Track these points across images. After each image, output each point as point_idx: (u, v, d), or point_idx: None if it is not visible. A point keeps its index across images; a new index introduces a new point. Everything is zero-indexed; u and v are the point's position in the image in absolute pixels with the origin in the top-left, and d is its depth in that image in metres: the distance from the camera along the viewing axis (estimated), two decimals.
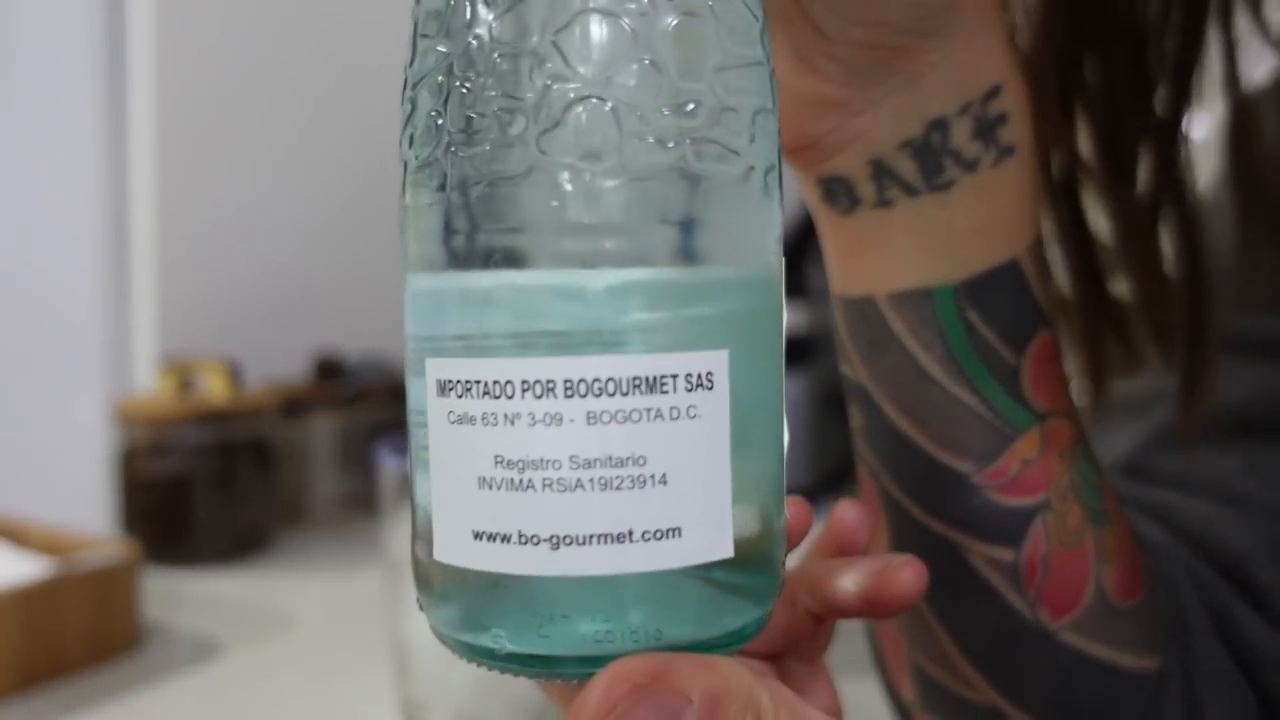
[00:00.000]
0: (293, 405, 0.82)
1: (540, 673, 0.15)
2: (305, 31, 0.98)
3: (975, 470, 0.25)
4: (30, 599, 0.48)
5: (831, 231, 0.26)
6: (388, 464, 0.43)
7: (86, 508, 0.80)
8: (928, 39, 0.22)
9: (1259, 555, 0.29)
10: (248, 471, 0.74)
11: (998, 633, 0.27)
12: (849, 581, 0.22)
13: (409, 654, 0.43)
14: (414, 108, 0.16)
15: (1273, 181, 0.32)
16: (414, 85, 0.16)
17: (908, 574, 0.21)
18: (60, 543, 0.57)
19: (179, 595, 0.64)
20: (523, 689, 0.42)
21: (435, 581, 0.16)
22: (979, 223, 0.24)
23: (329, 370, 0.88)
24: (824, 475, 0.84)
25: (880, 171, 0.24)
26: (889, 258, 0.25)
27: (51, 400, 0.82)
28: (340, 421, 0.85)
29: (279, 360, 0.91)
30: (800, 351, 0.73)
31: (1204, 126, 0.71)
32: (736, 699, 0.15)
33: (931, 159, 0.23)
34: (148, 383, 0.81)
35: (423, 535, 0.16)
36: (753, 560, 0.16)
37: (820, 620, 0.22)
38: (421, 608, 0.17)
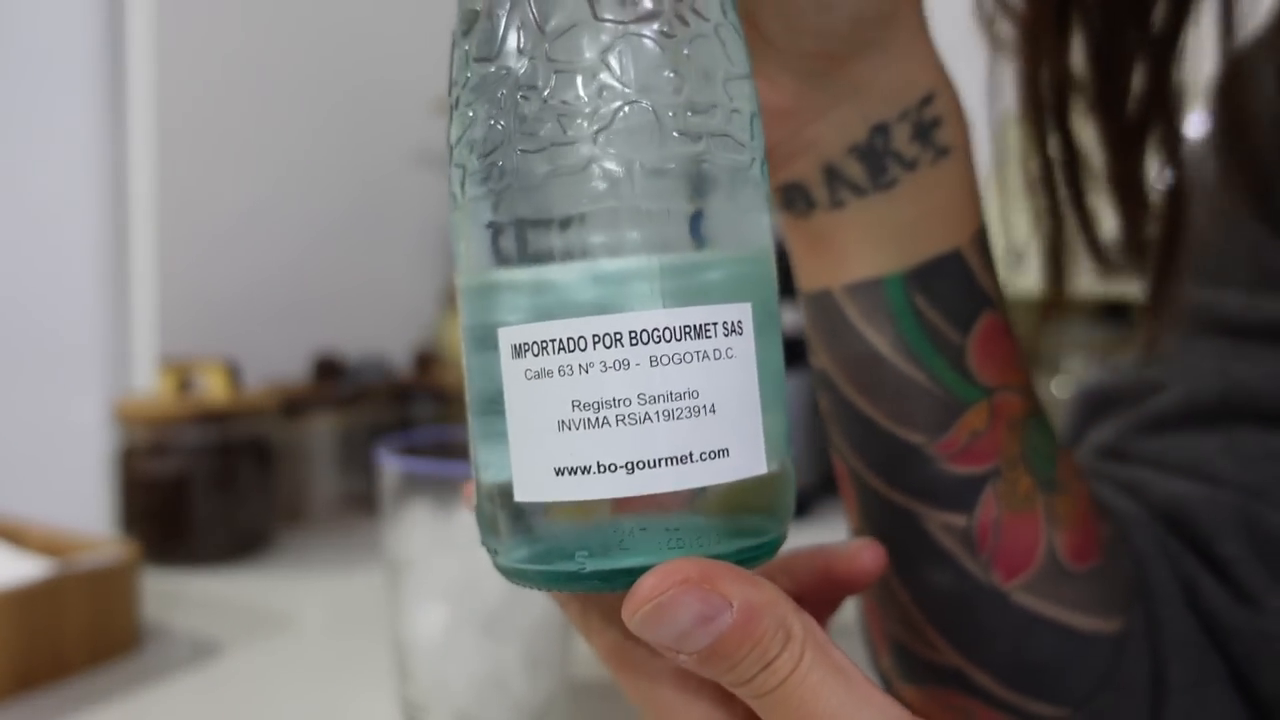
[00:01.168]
0: (292, 405, 0.82)
1: (616, 585, 0.18)
2: (305, 33, 0.98)
3: (928, 442, 0.27)
4: (29, 599, 0.48)
5: (792, 233, 0.29)
6: (388, 464, 0.43)
7: (86, 508, 0.80)
8: (868, 50, 0.25)
9: (1224, 530, 0.30)
10: (247, 472, 0.74)
11: (955, 595, 0.29)
12: (818, 562, 0.24)
13: (409, 654, 0.43)
14: (473, 117, 0.19)
15: (1259, 140, 0.33)
16: (470, 101, 0.19)
17: (867, 555, 0.25)
18: (60, 543, 0.57)
19: (179, 595, 0.64)
20: (523, 689, 0.42)
21: (514, 523, 0.19)
22: (921, 216, 0.27)
23: (329, 370, 0.88)
24: (822, 476, 0.84)
25: (831, 175, 0.26)
26: (843, 253, 0.27)
27: (51, 400, 0.82)
28: (340, 422, 0.85)
29: (279, 360, 0.91)
30: (799, 352, 0.73)
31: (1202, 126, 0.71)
32: (772, 615, 0.17)
33: (876, 161, 0.26)
34: (147, 383, 0.81)
35: (493, 490, 0.19)
36: (776, 483, 0.19)
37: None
38: (495, 552, 0.20)
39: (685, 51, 0.18)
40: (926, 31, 0.26)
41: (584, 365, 0.17)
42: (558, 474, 0.18)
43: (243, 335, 0.89)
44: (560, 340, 0.18)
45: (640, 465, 0.17)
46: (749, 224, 0.19)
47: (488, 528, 0.20)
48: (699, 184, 0.18)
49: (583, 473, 0.18)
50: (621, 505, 0.18)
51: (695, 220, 0.18)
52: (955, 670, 0.29)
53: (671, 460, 0.17)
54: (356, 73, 1.04)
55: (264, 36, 0.93)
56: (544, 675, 0.43)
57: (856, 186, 0.26)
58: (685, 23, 0.18)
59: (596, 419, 0.17)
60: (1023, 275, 0.76)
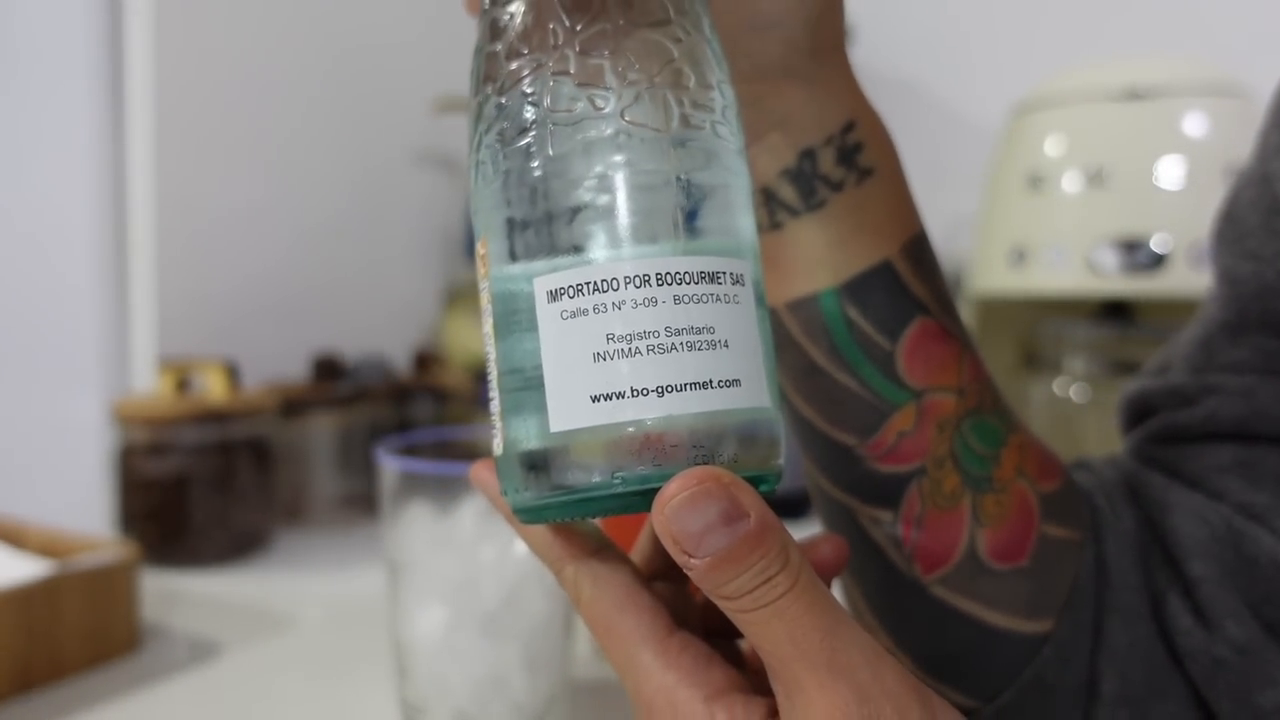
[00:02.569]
0: (292, 405, 0.82)
1: (643, 504, 0.20)
2: (304, 32, 0.98)
3: (859, 443, 0.30)
4: (28, 600, 0.48)
5: None
6: (387, 464, 0.43)
7: (85, 508, 0.80)
8: (795, 80, 0.27)
9: (1199, 549, 0.30)
10: (247, 472, 0.74)
11: (884, 585, 0.31)
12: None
13: (408, 654, 0.43)
14: (505, 106, 0.22)
15: None
16: (501, 92, 0.22)
17: (826, 548, 0.27)
18: (59, 543, 0.57)
19: (178, 596, 0.64)
20: (522, 690, 0.42)
21: (547, 458, 0.21)
22: (850, 233, 0.29)
23: (328, 370, 0.88)
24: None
25: (769, 198, 0.29)
26: (784, 273, 0.29)
27: (50, 400, 0.82)
28: (339, 422, 0.85)
29: (278, 360, 0.91)
30: None
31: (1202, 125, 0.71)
32: (778, 537, 0.19)
33: (805, 184, 0.29)
34: (146, 383, 0.81)
35: (523, 436, 0.21)
36: (775, 418, 0.22)
37: None
38: (524, 495, 0.22)
39: (689, 51, 0.22)
40: (848, 65, 0.29)
41: (617, 303, 0.20)
42: (594, 400, 0.20)
43: (242, 335, 0.89)
44: (595, 282, 0.20)
45: (669, 389, 0.20)
46: (745, 191, 0.23)
47: (513, 477, 0.22)
48: (704, 151, 0.22)
49: (618, 398, 0.20)
50: (654, 433, 0.20)
51: (704, 200, 0.21)
52: (889, 653, 0.31)
53: (694, 385, 0.20)
54: (356, 72, 1.04)
55: (263, 37, 0.93)
56: (543, 675, 0.43)
57: (791, 208, 0.29)
58: (687, 31, 0.22)
59: (629, 349, 0.20)
60: (1023, 275, 0.76)
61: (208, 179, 0.87)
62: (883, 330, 0.29)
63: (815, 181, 0.29)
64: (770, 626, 0.19)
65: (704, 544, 0.19)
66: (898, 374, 0.29)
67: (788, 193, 0.29)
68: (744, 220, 0.22)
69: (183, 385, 0.74)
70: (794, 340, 0.30)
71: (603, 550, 0.24)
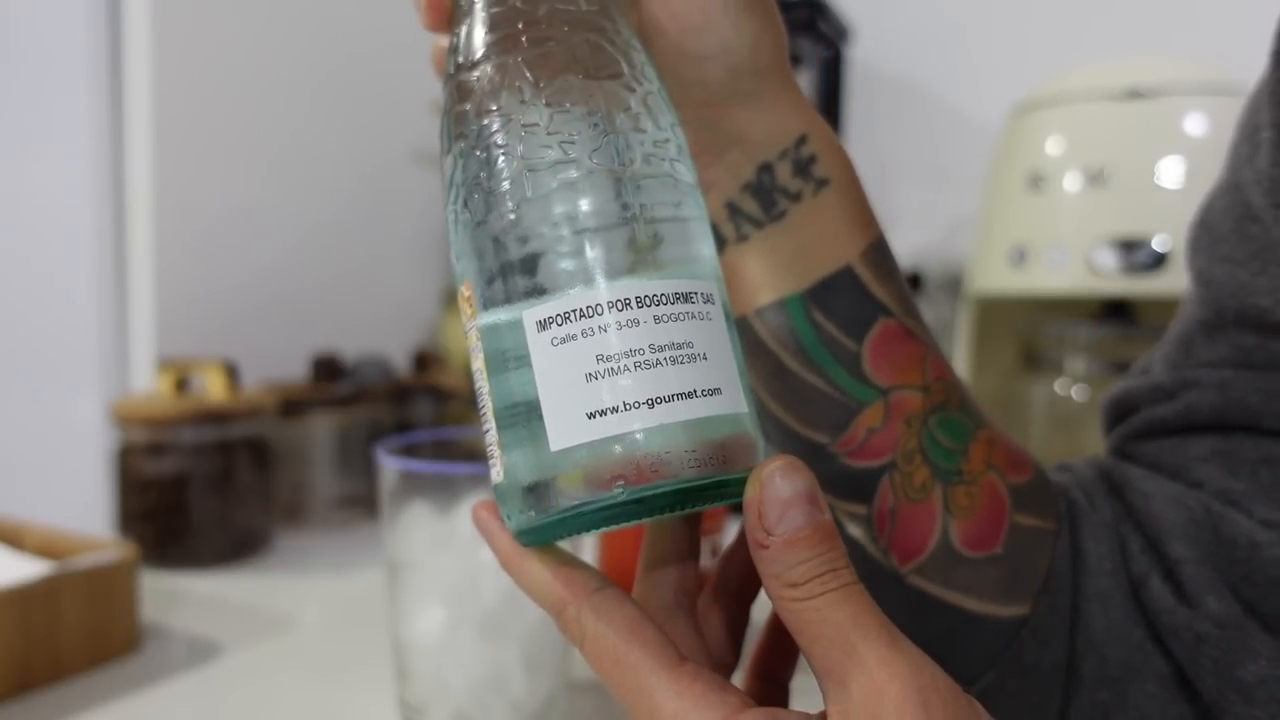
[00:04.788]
0: (291, 405, 0.82)
1: (646, 511, 0.22)
2: (302, 31, 0.97)
3: (830, 441, 0.31)
4: (28, 600, 0.48)
5: None
6: (387, 464, 0.43)
7: (84, 508, 0.80)
8: (744, 100, 0.29)
9: (1178, 530, 0.32)
10: (246, 472, 0.74)
11: (864, 577, 0.32)
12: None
13: (408, 654, 0.43)
14: (480, 159, 0.23)
15: None
16: (475, 146, 0.23)
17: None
18: (58, 543, 0.57)
19: (177, 596, 0.64)
20: (521, 690, 0.42)
21: (550, 478, 0.22)
22: (811, 240, 0.30)
23: (327, 370, 0.88)
24: None
25: (734, 212, 0.31)
26: (752, 282, 0.31)
27: (50, 401, 0.82)
28: (339, 422, 0.85)
29: (277, 360, 0.91)
30: None
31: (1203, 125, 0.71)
32: (838, 534, 0.21)
33: (765, 196, 0.30)
34: (146, 383, 0.81)
35: (524, 460, 0.22)
36: (753, 423, 0.23)
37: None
38: (527, 511, 0.22)
39: (643, 100, 0.24)
40: (793, 82, 0.31)
41: (603, 327, 0.21)
42: (589, 417, 0.21)
43: (241, 335, 0.89)
44: (580, 309, 0.22)
45: (658, 400, 0.21)
46: (705, 236, 0.24)
47: (517, 500, 0.23)
48: (669, 186, 0.24)
49: (612, 412, 0.21)
50: (648, 441, 0.21)
51: (673, 230, 0.23)
52: None
53: (681, 395, 0.21)
54: (356, 72, 1.04)
55: (262, 36, 0.93)
56: (542, 676, 0.42)
57: (754, 220, 0.31)
58: (639, 81, 0.24)
59: (619, 367, 0.21)
60: (1023, 275, 0.76)
61: (207, 179, 0.87)
62: (848, 332, 0.30)
63: (775, 194, 0.30)
64: (836, 610, 0.20)
65: (787, 516, 0.20)
66: (864, 373, 0.30)
67: (750, 206, 0.30)
68: (705, 247, 0.24)
69: (182, 385, 0.74)
70: (764, 345, 0.31)
71: (604, 589, 0.24)
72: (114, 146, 0.81)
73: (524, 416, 0.22)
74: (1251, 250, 0.32)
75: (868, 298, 0.31)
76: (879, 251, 0.31)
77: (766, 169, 0.30)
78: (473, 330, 0.24)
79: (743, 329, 0.31)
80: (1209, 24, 0.97)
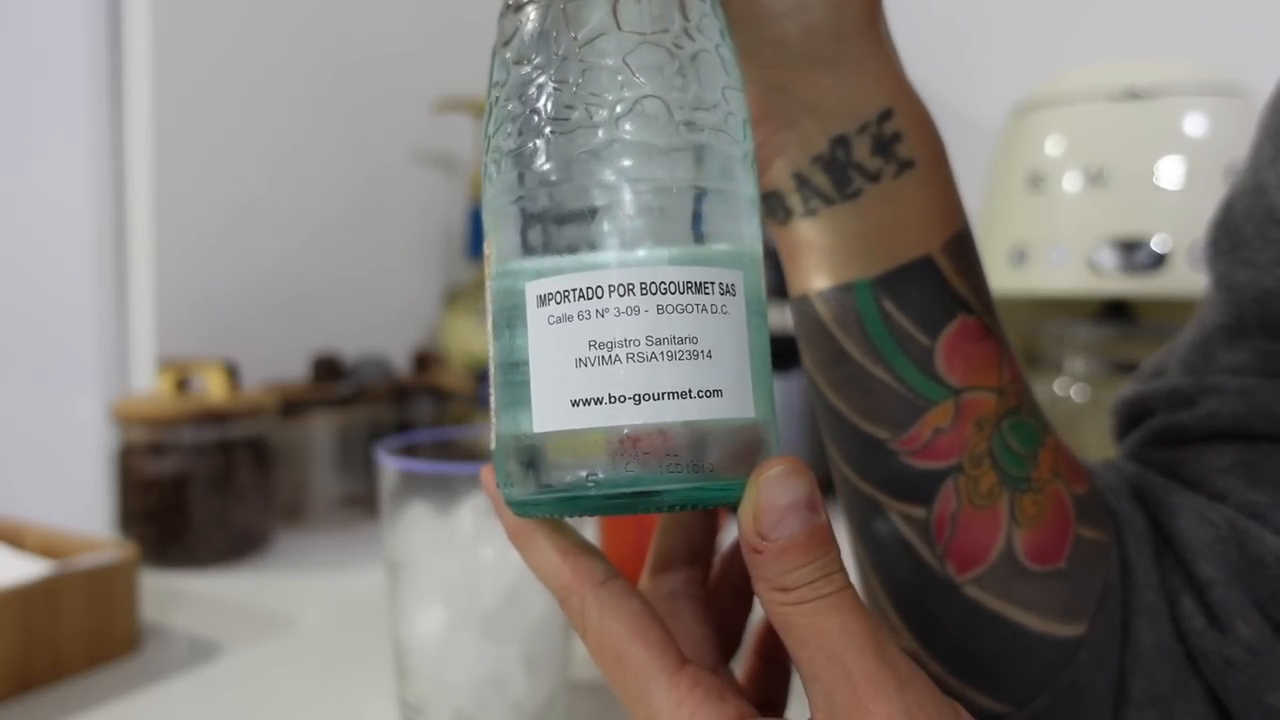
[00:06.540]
0: (291, 405, 0.82)
1: (616, 508, 0.21)
2: (303, 32, 0.97)
3: (891, 437, 0.29)
4: (28, 600, 0.48)
5: (780, 243, 0.31)
6: (387, 464, 0.43)
7: (85, 508, 0.80)
8: (821, 66, 0.27)
9: (1203, 550, 0.30)
10: (246, 472, 0.74)
11: (912, 583, 0.30)
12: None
13: (408, 654, 0.43)
14: (509, 111, 0.22)
15: None
16: (507, 96, 0.22)
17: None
18: (58, 543, 0.57)
19: (178, 596, 0.64)
20: (521, 690, 0.42)
21: (531, 456, 0.21)
22: (889, 226, 0.28)
23: (327, 370, 0.88)
24: (822, 477, 0.84)
25: (802, 184, 0.29)
26: (818, 260, 0.29)
27: (50, 401, 0.82)
28: (339, 422, 0.85)
29: (277, 360, 0.91)
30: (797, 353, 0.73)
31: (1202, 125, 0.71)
32: (835, 540, 0.20)
33: (839, 172, 0.28)
34: (146, 383, 0.81)
35: (512, 432, 0.22)
36: (761, 431, 0.22)
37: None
38: (511, 488, 0.22)
39: (690, 60, 0.22)
40: (885, 48, 0.28)
41: (600, 310, 0.20)
42: (573, 405, 0.20)
43: (242, 335, 0.89)
44: (581, 289, 0.20)
45: (646, 397, 0.20)
46: (743, 204, 0.22)
47: (504, 469, 0.22)
48: (700, 162, 0.21)
49: (595, 403, 0.20)
50: (628, 439, 0.20)
51: (697, 207, 0.21)
52: (913, 655, 0.30)
53: (672, 395, 0.20)
54: (356, 72, 1.04)
55: (262, 36, 0.93)
56: (543, 676, 0.43)
57: (825, 196, 0.28)
58: (691, 38, 0.22)
59: (609, 356, 0.20)
60: (1023, 275, 0.76)
61: (207, 179, 0.87)
62: (921, 326, 0.28)
63: (849, 170, 0.28)
64: (825, 618, 0.20)
65: (783, 522, 0.20)
66: (936, 371, 0.29)
67: (820, 180, 0.28)
68: (743, 228, 0.22)
69: (182, 385, 0.74)
70: (825, 329, 0.29)
71: (611, 580, 0.24)
72: (114, 147, 0.81)
73: (518, 386, 0.22)
74: (1275, 255, 0.31)
75: (947, 292, 0.29)
76: (962, 243, 0.29)
77: (841, 142, 0.28)
78: (489, 287, 0.23)
79: (805, 308, 0.30)
80: (1209, 24, 0.97)
